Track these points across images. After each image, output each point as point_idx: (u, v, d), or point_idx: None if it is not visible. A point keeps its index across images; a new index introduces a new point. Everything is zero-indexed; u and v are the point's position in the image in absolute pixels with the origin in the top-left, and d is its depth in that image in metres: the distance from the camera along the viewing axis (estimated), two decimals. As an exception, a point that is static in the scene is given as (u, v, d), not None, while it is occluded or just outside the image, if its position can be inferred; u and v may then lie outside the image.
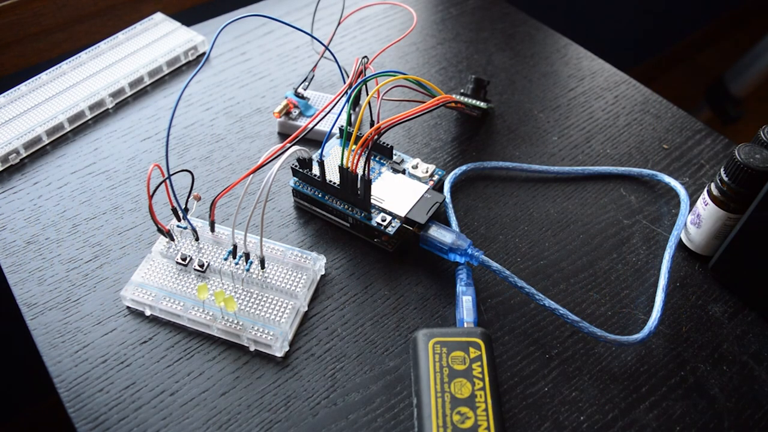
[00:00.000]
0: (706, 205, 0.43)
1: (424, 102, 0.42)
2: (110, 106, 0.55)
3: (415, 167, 0.47)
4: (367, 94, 0.45)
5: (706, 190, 0.43)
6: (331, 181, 0.44)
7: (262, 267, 0.41)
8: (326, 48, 0.47)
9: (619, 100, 0.57)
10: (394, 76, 0.42)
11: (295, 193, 0.47)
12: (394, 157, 0.48)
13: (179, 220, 0.43)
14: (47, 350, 0.39)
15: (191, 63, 0.60)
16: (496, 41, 0.63)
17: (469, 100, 0.53)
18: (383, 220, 0.43)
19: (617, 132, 0.54)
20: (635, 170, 0.50)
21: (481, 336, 0.37)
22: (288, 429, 0.36)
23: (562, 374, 0.38)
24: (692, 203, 0.47)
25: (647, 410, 0.37)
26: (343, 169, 0.42)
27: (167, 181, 0.39)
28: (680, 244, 0.46)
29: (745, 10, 1.82)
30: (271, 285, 0.41)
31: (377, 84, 0.44)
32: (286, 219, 0.47)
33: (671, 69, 1.68)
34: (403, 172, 0.47)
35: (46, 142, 0.52)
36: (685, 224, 0.45)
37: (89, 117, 0.54)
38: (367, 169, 0.41)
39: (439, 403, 0.34)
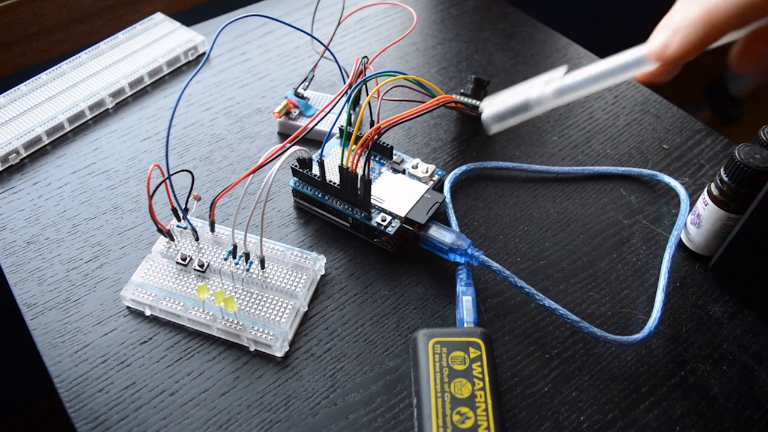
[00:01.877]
0: (706, 205, 0.43)
1: (424, 102, 0.42)
2: (110, 106, 0.55)
3: (415, 167, 0.47)
4: (367, 94, 0.45)
5: (706, 190, 0.43)
6: (331, 181, 0.44)
7: (262, 267, 0.41)
8: (326, 48, 0.47)
9: (619, 100, 0.57)
10: (394, 76, 0.42)
11: (295, 193, 0.47)
12: (394, 157, 0.48)
13: (179, 220, 0.43)
14: (47, 350, 0.39)
15: (191, 63, 0.60)
16: (496, 41, 0.63)
17: (469, 100, 0.53)
18: (383, 220, 0.43)
19: (617, 132, 0.54)
20: (635, 170, 0.50)
21: (481, 336, 0.37)
22: (288, 429, 0.36)
23: (562, 374, 0.38)
24: (692, 203, 0.47)
25: (647, 410, 0.37)
26: (343, 169, 0.42)
27: (167, 181, 0.39)
28: (680, 244, 0.46)
29: (745, 10, 1.81)
30: (271, 285, 0.41)
31: (377, 84, 0.44)
32: (286, 219, 0.47)
33: (671, 69, 1.68)
34: (403, 172, 0.47)
35: (46, 142, 0.52)
36: (685, 224, 0.45)
37: (89, 117, 0.54)
38: (367, 169, 0.41)
39: (439, 403, 0.34)
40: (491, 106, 0.32)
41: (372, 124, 0.48)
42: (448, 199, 0.47)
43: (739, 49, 0.26)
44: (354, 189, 0.43)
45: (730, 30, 0.24)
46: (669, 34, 0.25)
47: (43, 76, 0.55)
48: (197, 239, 0.43)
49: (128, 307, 0.41)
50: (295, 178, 0.46)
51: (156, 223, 0.40)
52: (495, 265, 0.40)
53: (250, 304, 0.40)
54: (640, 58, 0.27)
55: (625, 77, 0.29)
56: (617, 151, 0.52)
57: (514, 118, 0.32)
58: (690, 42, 0.24)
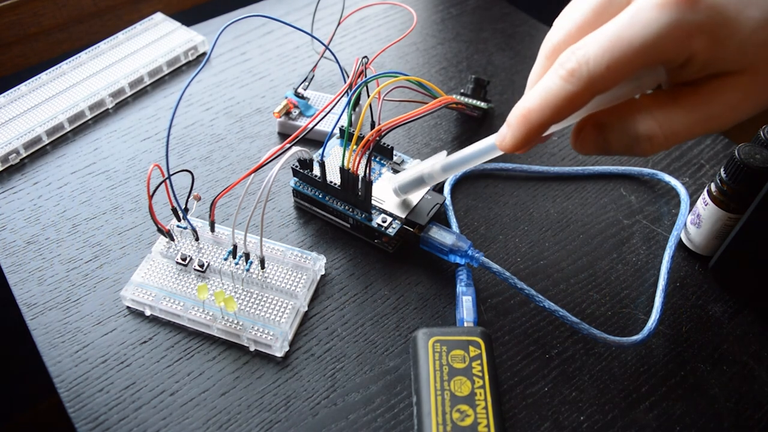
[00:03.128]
0: (706, 205, 0.43)
1: (425, 102, 0.42)
2: (110, 106, 0.55)
3: (415, 167, 0.47)
4: (368, 94, 0.45)
5: (706, 190, 0.43)
6: (331, 182, 0.44)
7: (262, 267, 0.41)
8: (326, 48, 0.47)
9: (619, 100, 0.57)
10: (396, 77, 0.42)
11: (296, 193, 0.47)
12: (395, 158, 0.48)
13: (179, 220, 0.43)
14: (47, 350, 0.39)
15: (191, 63, 0.60)
16: (496, 41, 0.63)
17: (470, 101, 0.53)
18: (384, 221, 0.43)
19: (617, 132, 0.54)
20: (635, 170, 0.50)
21: (481, 335, 0.37)
22: (288, 429, 0.36)
23: (562, 374, 0.38)
24: (692, 203, 0.47)
25: (647, 410, 0.37)
26: (343, 170, 0.42)
27: (167, 181, 0.39)
28: (680, 244, 0.46)
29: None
30: (271, 285, 0.41)
31: (378, 85, 0.44)
32: (286, 219, 0.47)
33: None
34: (403, 172, 0.47)
35: (46, 142, 0.52)
36: (685, 224, 0.45)
37: (89, 117, 0.54)
38: (368, 170, 0.41)
39: (439, 400, 0.34)
40: (396, 181, 0.42)
41: (372, 123, 0.48)
42: (448, 200, 0.47)
43: (573, 135, 0.29)
44: (355, 190, 0.43)
45: (548, 126, 0.27)
46: (505, 127, 0.29)
47: (43, 76, 0.55)
48: (197, 239, 0.43)
49: (128, 307, 0.41)
50: (295, 179, 0.46)
51: (156, 223, 0.40)
52: (495, 266, 0.40)
53: (250, 304, 0.40)
54: (493, 145, 0.34)
55: (490, 156, 0.35)
56: (617, 151, 0.52)
57: (414, 189, 0.42)
58: (518, 137, 0.28)
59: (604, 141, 0.27)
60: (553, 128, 0.29)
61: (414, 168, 0.42)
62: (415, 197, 0.44)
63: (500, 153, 0.33)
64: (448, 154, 0.40)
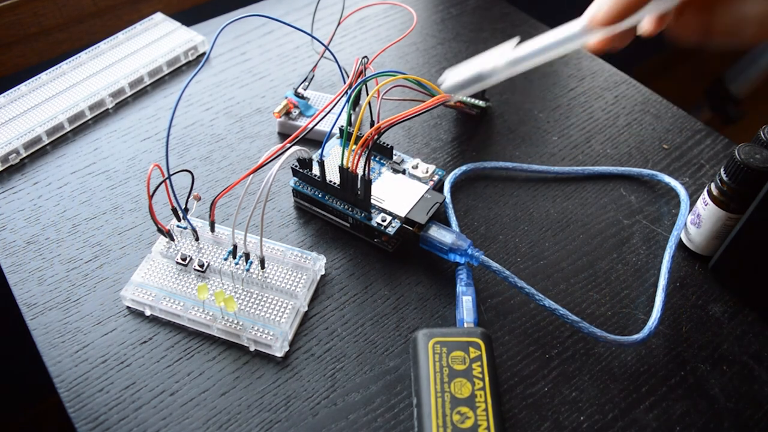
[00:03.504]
0: (706, 205, 0.43)
1: (424, 102, 0.42)
2: (110, 106, 0.55)
3: (415, 167, 0.47)
4: (367, 94, 0.45)
5: (706, 190, 0.43)
6: (331, 181, 0.44)
7: (262, 267, 0.41)
8: (326, 48, 0.47)
9: (619, 100, 0.57)
10: (394, 75, 0.42)
11: (295, 193, 0.47)
12: (394, 157, 0.48)
13: (179, 220, 0.43)
14: (47, 350, 0.39)
15: (191, 63, 0.60)
16: (496, 41, 0.63)
17: (469, 100, 0.53)
18: (383, 221, 0.43)
19: (617, 132, 0.54)
20: (635, 170, 0.50)
21: (481, 336, 0.37)
22: (288, 429, 0.36)
23: (562, 374, 0.38)
24: (692, 203, 0.47)
25: (647, 410, 0.37)
26: (343, 170, 0.42)
27: (167, 181, 0.39)
28: (680, 244, 0.46)
29: (746, 10, 1.81)
30: (271, 285, 0.41)
31: (377, 84, 0.44)
32: (286, 219, 0.47)
33: (671, 69, 1.68)
34: (403, 172, 0.47)
35: (46, 142, 0.52)
36: (685, 224, 0.45)
37: (89, 117, 0.54)
38: (367, 169, 0.41)
39: (439, 402, 0.34)
40: (452, 78, 0.34)
41: (372, 124, 0.48)
42: (448, 199, 0.47)
43: (673, 20, 0.28)
44: (354, 189, 0.43)
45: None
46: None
47: (43, 76, 0.55)
48: (197, 239, 0.43)
49: (128, 307, 0.41)
50: (295, 178, 0.46)
51: (156, 223, 0.40)
52: (495, 265, 0.40)
53: (250, 304, 0.40)
54: (582, 27, 0.29)
55: (572, 47, 0.30)
56: (617, 151, 0.52)
57: (471, 87, 0.34)
58: (616, 5, 0.26)
59: (707, 24, 0.26)
60: (651, 7, 0.27)
61: (471, 62, 0.34)
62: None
63: (581, 43, 0.29)
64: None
